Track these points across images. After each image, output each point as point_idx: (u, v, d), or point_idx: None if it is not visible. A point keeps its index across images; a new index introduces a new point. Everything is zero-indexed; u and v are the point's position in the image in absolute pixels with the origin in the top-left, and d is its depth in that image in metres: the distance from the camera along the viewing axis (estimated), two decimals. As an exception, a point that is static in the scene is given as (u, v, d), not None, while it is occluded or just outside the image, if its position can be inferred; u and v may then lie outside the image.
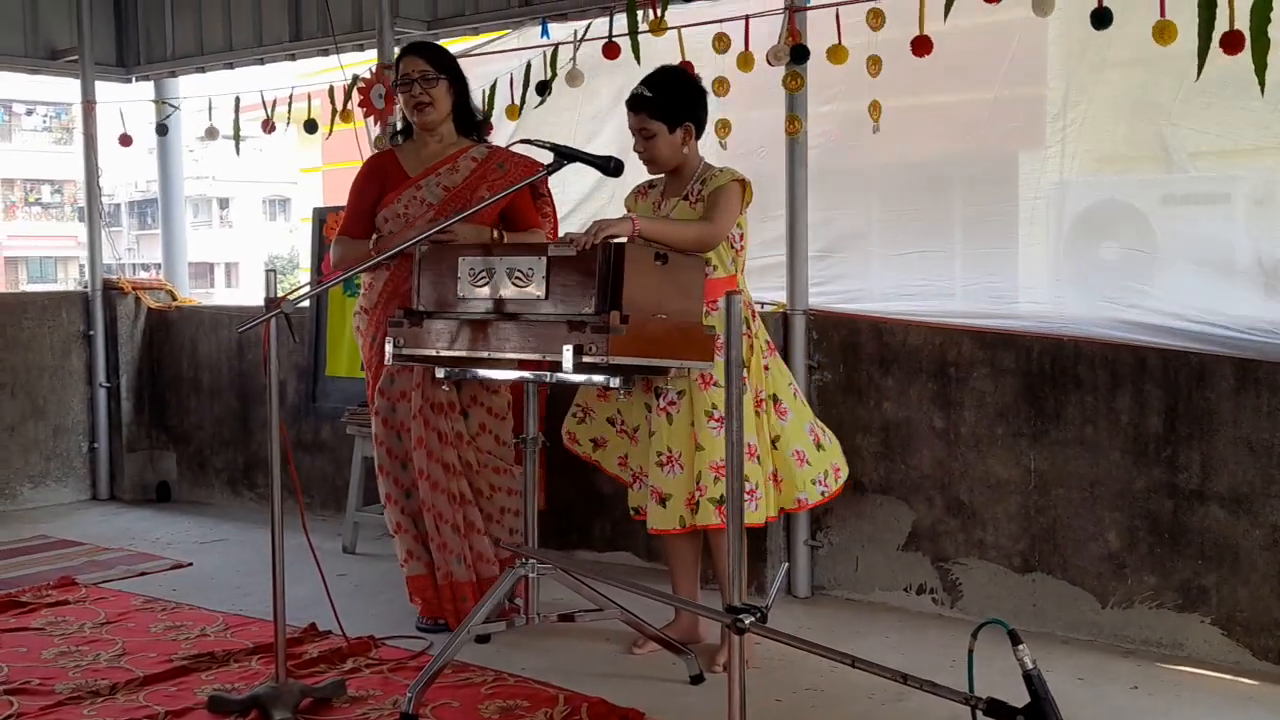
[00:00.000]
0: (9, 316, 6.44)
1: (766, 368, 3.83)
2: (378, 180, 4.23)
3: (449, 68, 4.19)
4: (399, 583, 4.30)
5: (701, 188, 3.77)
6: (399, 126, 4.44)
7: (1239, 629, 3.73)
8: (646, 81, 3.80)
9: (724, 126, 4.49)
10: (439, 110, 4.15)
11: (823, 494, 3.91)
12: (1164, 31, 3.56)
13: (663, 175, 3.90)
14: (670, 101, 3.76)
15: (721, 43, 4.44)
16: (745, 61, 4.38)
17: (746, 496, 3.66)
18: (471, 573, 4.11)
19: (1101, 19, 3.68)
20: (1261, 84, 3.38)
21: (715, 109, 4.24)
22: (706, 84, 4.01)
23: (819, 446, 3.92)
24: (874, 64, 4.18)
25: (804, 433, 3.89)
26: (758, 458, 3.74)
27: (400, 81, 4.16)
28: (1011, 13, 3.87)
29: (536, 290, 3.40)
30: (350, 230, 4.23)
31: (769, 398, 3.82)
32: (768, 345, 3.90)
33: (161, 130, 6.72)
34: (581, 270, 3.34)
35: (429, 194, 4.14)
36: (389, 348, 3.66)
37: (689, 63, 4.39)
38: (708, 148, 4.05)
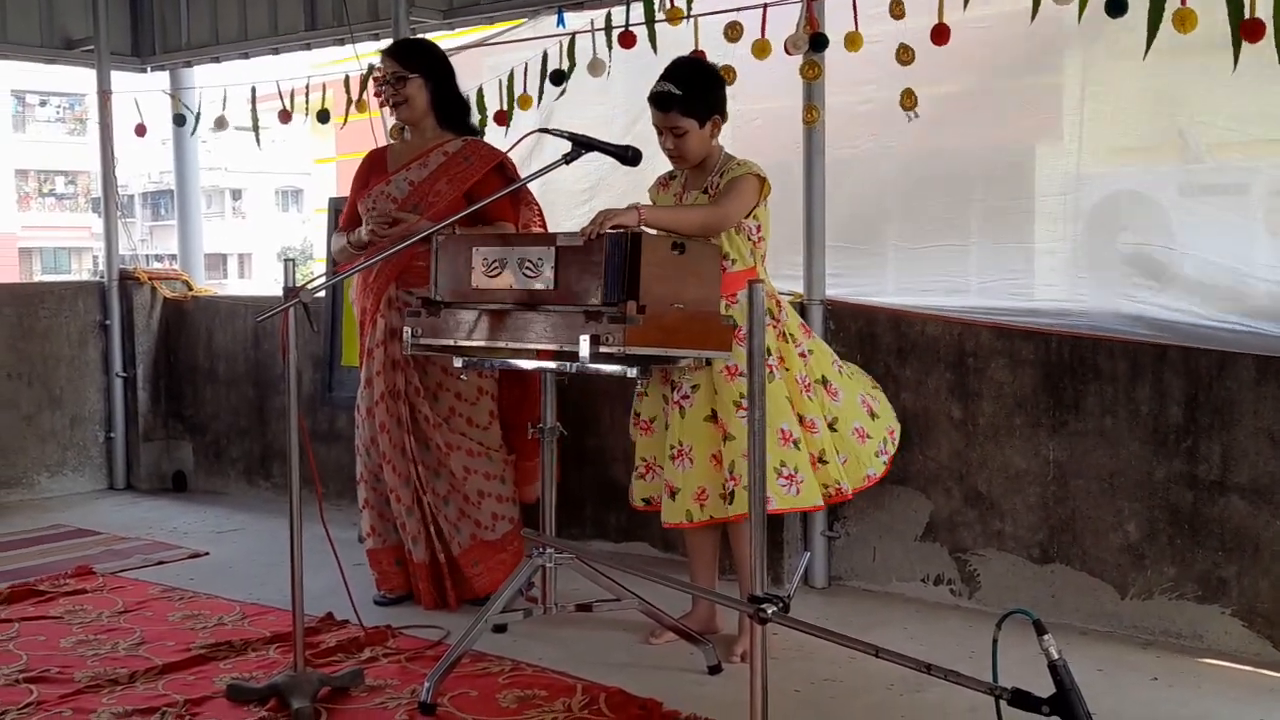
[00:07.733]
0: (26, 307, 6.45)
1: (806, 353, 3.80)
2: (365, 175, 4.46)
3: (421, 65, 4.32)
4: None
5: (721, 180, 3.74)
6: None
7: (1260, 620, 3.72)
8: (670, 77, 3.71)
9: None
10: (413, 108, 4.32)
11: (884, 463, 3.92)
12: (1184, 20, 3.52)
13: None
14: (700, 97, 3.69)
15: (734, 31, 4.41)
16: (761, 49, 4.35)
17: (786, 481, 3.65)
18: (427, 554, 4.25)
19: (1117, 6, 3.65)
20: (1286, 72, 3.35)
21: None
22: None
23: (873, 415, 3.91)
24: (904, 53, 4.10)
25: (858, 406, 3.87)
26: (794, 442, 3.69)
27: (378, 83, 4.39)
28: (1028, 1, 3.83)
29: (545, 281, 3.39)
30: (346, 224, 4.46)
31: (817, 381, 3.79)
32: (803, 329, 3.88)
33: (179, 121, 6.69)
34: (590, 260, 3.32)
35: (395, 189, 4.31)
36: (407, 337, 3.66)
37: (701, 52, 4.37)
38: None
